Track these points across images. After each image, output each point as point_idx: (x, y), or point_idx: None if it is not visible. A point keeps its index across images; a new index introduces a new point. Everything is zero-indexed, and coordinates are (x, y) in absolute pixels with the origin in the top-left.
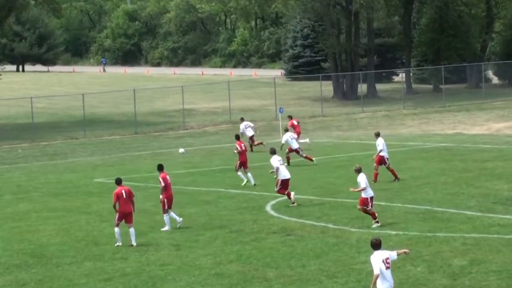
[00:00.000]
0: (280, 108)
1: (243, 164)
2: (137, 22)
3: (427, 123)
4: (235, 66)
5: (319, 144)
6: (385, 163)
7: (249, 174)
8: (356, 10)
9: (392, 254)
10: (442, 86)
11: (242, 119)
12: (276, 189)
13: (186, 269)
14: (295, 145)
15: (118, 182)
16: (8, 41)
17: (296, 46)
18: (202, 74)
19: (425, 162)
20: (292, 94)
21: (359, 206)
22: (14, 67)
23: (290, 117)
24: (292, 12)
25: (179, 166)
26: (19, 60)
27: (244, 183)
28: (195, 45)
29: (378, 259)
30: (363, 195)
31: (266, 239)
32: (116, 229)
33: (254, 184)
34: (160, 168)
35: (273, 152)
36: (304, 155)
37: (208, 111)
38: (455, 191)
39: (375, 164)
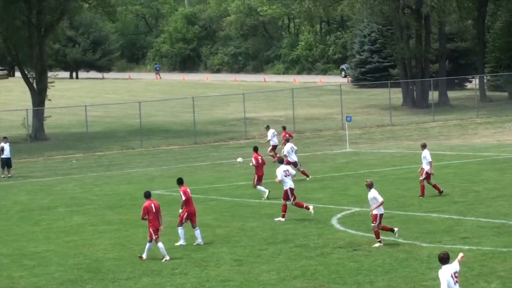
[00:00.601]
0: (347, 116)
1: (260, 178)
2: (196, 26)
3: (502, 132)
4: (299, 73)
5: (388, 155)
6: (422, 175)
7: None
8: (426, 13)
9: (458, 266)
10: None
11: (268, 127)
12: (292, 202)
13: (249, 285)
14: (294, 158)
15: (148, 195)
16: (61, 46)
17: (363, 51)
18: (264, 81)
19: (500, 173)
20: (359, 102)
21: (373, 224)
22: (67, 74)
23: (284, 128)
24: (358, 15)
25: (240, 178)
26: (73, 66)
27: (266, 195)
28: (257, 51)
29: (446, 273)
30: (375, 211)
31: (332, 254)
32: (160, 244)
33: (267, 197)
34: (180, 181)
35: (281, 161)
36: (302, 169)
37: (271, 120)
38: None
39: (426, 179)
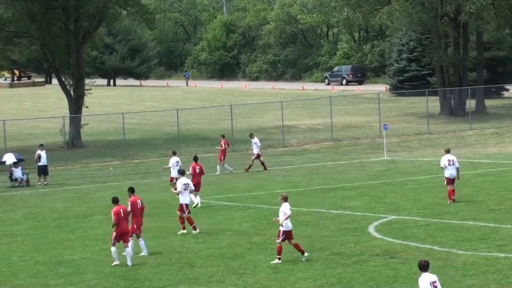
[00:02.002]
0: (384, 124)
1: (196, 186)
2: (235, 34)
3: None
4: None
5: (425, 163)
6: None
7: (197, 197)
8: (465, 21)
9: (435, 276)
10: None
11: (252, 135)
12: (186, 216)
13: None
14: (172, 174)
15: (115, 201)
16: (99, 53)
17: (401, 59)
18: (303, 89)
19: None
20: (397, 110)
21: (277, 240)
22: (104, 81)
23: (223, 136)
24: (397, 24)
25: (278, 185)
26: (110, 73)
27: (195, 205)
28: (296, 58)
29: (425, 282)
30: (282, 228)
31: (369, 261)
32: (113, 249)
33: (196, 205)
34: (131, 190)
35: (181, 172)
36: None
37: (309, 128)
38: None
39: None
